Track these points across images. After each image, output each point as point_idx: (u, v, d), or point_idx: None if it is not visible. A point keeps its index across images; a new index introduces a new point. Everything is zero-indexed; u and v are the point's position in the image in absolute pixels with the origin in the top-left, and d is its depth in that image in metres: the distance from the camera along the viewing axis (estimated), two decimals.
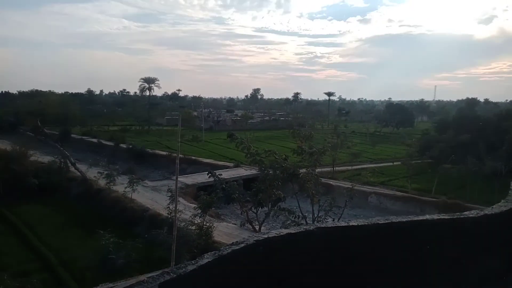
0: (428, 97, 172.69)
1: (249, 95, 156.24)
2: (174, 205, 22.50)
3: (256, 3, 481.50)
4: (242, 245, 1.87)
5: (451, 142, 35.18)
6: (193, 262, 1.87)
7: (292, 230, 2.06)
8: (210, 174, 18.59)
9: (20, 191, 28.61)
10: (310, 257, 2.11)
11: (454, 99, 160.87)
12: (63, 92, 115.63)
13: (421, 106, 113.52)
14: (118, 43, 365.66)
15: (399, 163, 40.79)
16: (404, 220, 2.35)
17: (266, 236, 1.97)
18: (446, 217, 2.51)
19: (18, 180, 29.52)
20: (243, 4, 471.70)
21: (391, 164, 44.67)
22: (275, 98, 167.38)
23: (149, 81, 75.59)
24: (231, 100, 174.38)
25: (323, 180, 35.78)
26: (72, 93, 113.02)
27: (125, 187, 26.76)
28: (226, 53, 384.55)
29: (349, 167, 42.44)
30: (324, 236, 2.14)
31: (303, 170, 16.18)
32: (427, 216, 2.48)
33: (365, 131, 73.15)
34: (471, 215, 2.61)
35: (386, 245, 2.32)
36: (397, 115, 77.70)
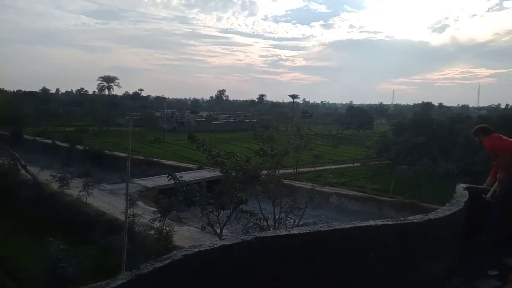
0: (387, 101, 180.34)
1: (214, 96, 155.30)
2: (128, 209, 21.82)
3: (221, 4, 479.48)
4: (168, 261, 1.66)
5: (407, 144, 36.74)
6: (103, 283, 1.64)
7: (227, 241, 1.88)
8: (170, 177, 18.01)
9: None
10: (249, 271, 1.93)
11: (411, 103, 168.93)
12: (15, 90, 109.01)
13: (380, 109, 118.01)
14: (75, 40, 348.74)
15: (359, 164, 42.04)
16: (348, 226, 2.24)
17: (197, 249, 1.77)
18: (390, 222, 2.44)
19: None
20: (207, 5, 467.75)
21: (351, 165, 46.00)
22: (241, 99, 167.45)
23: (109, 80, 72.94)
24: (196, 101, 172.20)
25: (286, 181, 36.17)
26: (25, 91, 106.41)
27: (80, 191, 25.48)
28: (191, 53, 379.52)
29: (312, 168, 43.16)
30: (263, 247, 1.97)
31: (265, 172, 16.12)
32: (371, 222, 2.40)
33: (327, 133, 74.87)
34: (415, 220, 2.56)
35: (329, 253, 2.20)
36: (358, 117, 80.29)
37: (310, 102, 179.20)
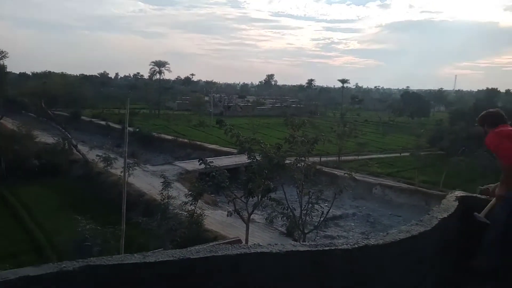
0: (448, 87, 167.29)
1: (263, 81, 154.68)
2: (166, 192, 22.28)
3: None
4: None
5: (463, 133, 33.59)
6: None
7: (31, 270, 1.37)
8: (201, 161, 18.00)
9: (22, 172, 28.83)
10: None
11: (475, 89, 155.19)
12: (78, 74, 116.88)
13: (439, 96, 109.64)
14: (133, 26, 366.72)
15: (408, 154, 39.44)
16: (235, 252, 1.64)
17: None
18: (304, 248, 1.79)
19: (20, 161, 29.76)
20: None
21: (399, 155, 43.39)
22: (290, 84, 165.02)
23: (160, 64, 75.27)
24: (245, 85, 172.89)
25: (326, 169, 35.05)
26: (86, 75, 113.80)
27: (120, 172, 26.58)
28: (242, 37, 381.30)
29: (356, 157, 41.33)
30: (95, 281, 1.44)
31: (292, 160, 15.43)
32: (276, 247, 1.77)
33: (377, 120, 71.28)
34: (342, 247, 1.88)
35: None
36: (412, 104, 75.18)
37: (363, 87, 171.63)
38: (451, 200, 2.96)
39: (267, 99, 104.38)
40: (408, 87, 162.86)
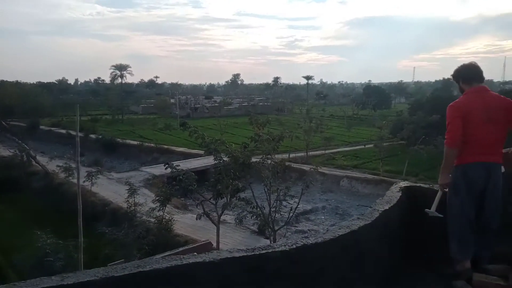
0: (407, 79, 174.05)
1: (229, 80, 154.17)
2: (132, 199, 21.70)
3: None
4: None
5: (422, 123, 35.07)
6: None
7: None
8: (167, 165, 17.61)
9: None
10: None
11: (433, 80, 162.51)
12: (35, 82, 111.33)
13: (399, 88, 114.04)
14: (91, 30, 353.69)
15: (372, 145, 40.72)
16: (169, 264, 1.53)
17: None
18: (240, 254, 1.72)
19: None
20: None
21: (363, 147, 44.72)
22: (256, 83, 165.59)
23: (121, 68, 73.09)
24: (211, 86, 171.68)
25: (295, 165, 35.46)
26: (43, 82, 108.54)
27: (83, 181, 25.59)
28: (205, 37, 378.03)
29: (324, 152, 42.13)
30: None
31: (258, 159, 15.44)
32: (203, 257, 1.69)
33: (342, 114, 73.02)
34: (279, 249, 1.83)
35: None
36: (374, 97, 77.74)
37: (328, 83, 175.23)
38: (395, 191, 2.99)
39: (234, 98, 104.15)
40: (370, 81, 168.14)
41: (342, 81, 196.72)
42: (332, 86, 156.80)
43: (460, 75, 3.31)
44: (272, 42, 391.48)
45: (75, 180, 27.70)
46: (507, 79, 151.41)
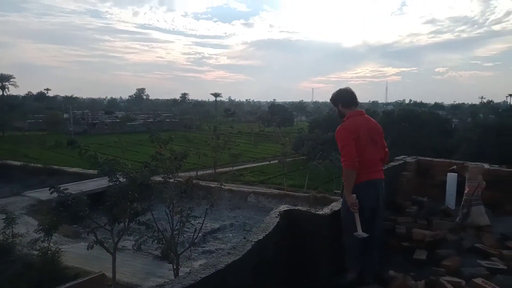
0: (307, 98, 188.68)
1: (133, 95, 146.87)
2: (9, 229, 18.68)
3: None
4: None
5: (319, 139, 37.83)
6: None
7: None
8: (53, 189, 15.44)
9: None
10: None
11: (328, 100, 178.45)
12: None
13: (300, 107, 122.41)
14: None
15: (276, 161, 42.42)
16: None
17: None
18: None
19: None
20: None
21: (269, 162, 46.35)
22: (162, 98, 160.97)
23: (3, 78, 64.00)
24: (113, 100, 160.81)
25: (203, 183, 34.87)
26: None
27: None
28: (106, 49, 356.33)
29: (231, 168, 42.40)
30: None
31: (160, 178, 14.56)
32: None
33: (250, 131, 75.05)
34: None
35: None
36: (279, 115, 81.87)
37: (235, 100, 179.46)
38: (273, 216, 2.85)
39: (138, 114, 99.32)
40: (274, 99, 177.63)
41: (249, 99, 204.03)
42: (240, 104, 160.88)
43: (339, 99, 3.48)
44: (180, 57, 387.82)
45: None
46: (389, 100, 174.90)
